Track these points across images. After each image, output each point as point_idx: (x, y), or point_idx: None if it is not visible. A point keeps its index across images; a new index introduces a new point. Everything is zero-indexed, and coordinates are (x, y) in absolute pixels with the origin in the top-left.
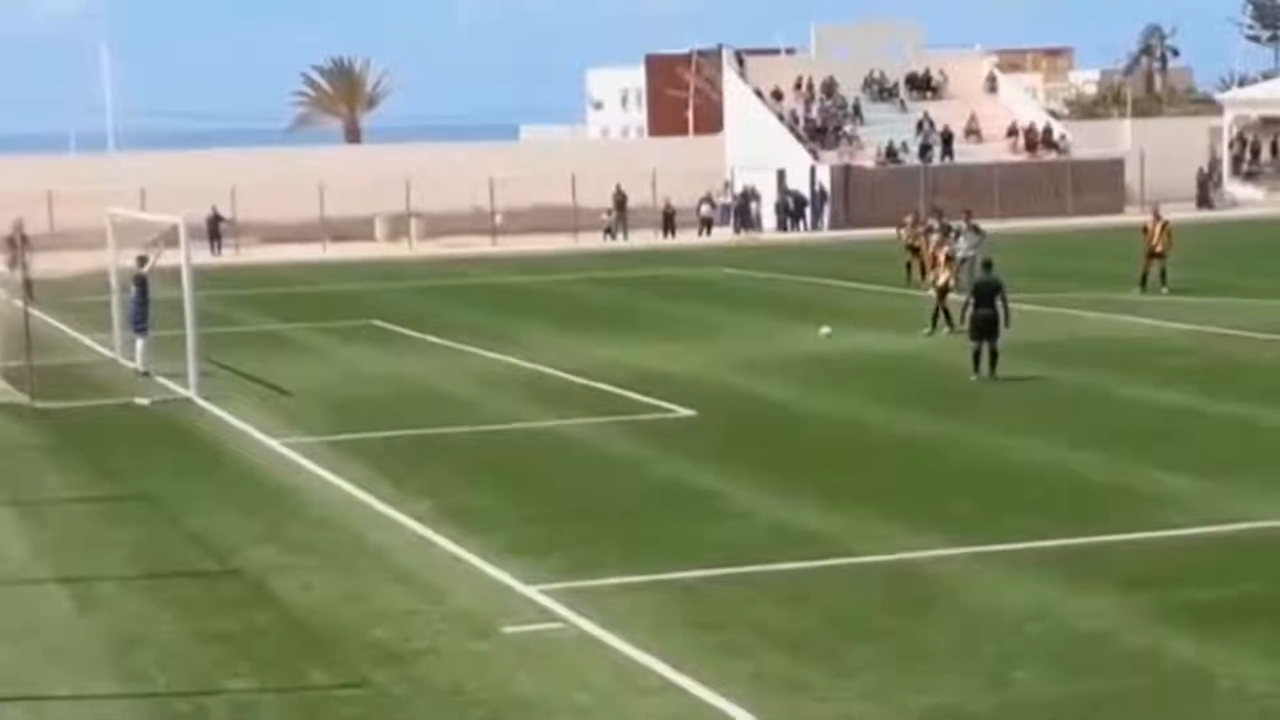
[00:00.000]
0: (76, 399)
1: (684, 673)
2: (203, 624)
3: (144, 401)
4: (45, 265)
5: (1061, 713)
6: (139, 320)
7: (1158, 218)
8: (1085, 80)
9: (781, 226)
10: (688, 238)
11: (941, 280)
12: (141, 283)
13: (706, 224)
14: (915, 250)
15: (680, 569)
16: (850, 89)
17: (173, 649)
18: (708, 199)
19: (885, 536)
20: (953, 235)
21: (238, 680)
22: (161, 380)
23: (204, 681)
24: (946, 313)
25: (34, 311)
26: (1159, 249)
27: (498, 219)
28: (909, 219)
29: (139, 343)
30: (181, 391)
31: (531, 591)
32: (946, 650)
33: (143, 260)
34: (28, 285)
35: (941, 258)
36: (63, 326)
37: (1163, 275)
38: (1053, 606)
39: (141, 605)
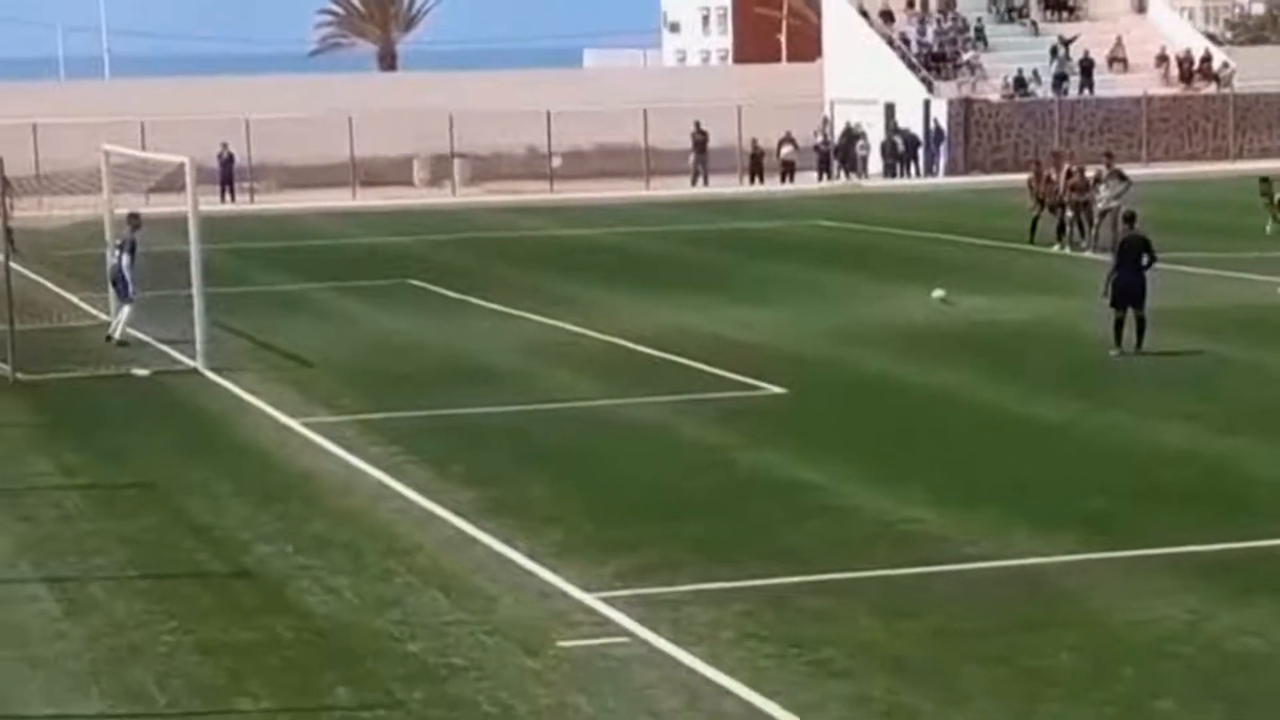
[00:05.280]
0: (65, 370)
1: (770, 696)
2: (209, 633)
3: (143, 373)
4: (29, 212)
5: None
6: (125, 285)
7: None
8: None
9: (889, 171)
10: (778, 183)
11: None
12: (132, 248)
13: (788, 168)
14: (1050, 206)
15: (767, 575)
16: (973, 8)
17: (174, 662)
18: (788, 139)
19: (1005, 537)
20: (1091, 183)
21: (248, 699)
22: (163, 348)
23: (209, 700)
24: None
25: (16, 267)
26: None
27: (556, 161)
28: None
29: (124, 310)
30: (187, 361)
31: (591, 599)
32: (1076, 673)
33: (135, 220)
34: (9, 235)
35: None
36: (50, 284)
37: None
38: (1203, 623)
39: (139, 611)
